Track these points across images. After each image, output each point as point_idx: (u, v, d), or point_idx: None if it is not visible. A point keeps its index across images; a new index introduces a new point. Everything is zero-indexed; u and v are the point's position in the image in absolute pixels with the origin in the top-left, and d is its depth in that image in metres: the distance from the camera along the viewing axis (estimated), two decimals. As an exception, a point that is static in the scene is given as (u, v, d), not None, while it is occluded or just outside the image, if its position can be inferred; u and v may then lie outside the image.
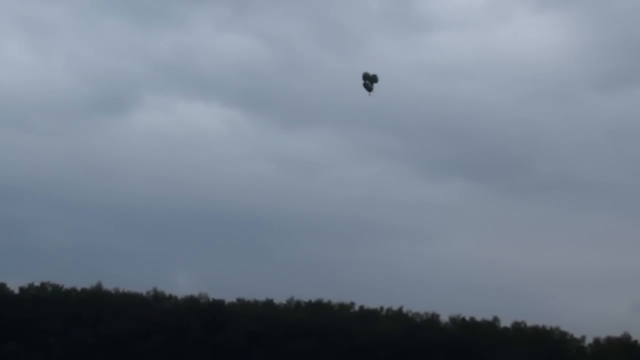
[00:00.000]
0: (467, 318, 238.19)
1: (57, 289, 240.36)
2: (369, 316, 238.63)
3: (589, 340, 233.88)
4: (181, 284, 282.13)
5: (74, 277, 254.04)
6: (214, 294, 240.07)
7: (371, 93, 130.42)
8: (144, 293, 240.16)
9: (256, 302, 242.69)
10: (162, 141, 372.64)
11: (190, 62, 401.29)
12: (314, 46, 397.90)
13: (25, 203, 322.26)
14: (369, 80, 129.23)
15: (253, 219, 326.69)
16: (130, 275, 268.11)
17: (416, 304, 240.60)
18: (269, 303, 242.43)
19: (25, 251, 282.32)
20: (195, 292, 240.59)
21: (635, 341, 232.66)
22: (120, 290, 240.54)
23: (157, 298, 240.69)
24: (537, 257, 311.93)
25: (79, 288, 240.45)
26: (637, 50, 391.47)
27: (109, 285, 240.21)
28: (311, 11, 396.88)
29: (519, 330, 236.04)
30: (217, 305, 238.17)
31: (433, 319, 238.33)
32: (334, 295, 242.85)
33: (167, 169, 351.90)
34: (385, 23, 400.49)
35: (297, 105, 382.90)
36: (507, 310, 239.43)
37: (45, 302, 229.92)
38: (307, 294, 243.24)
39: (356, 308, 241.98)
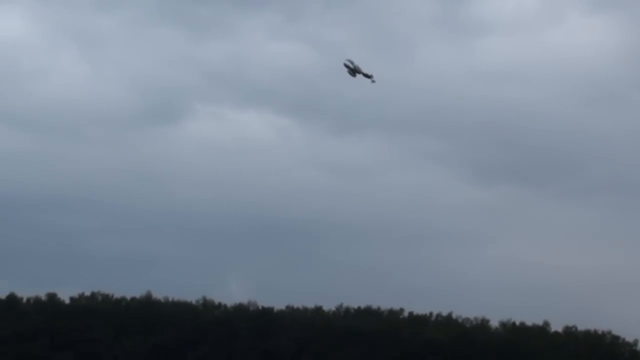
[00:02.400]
0: (517, 322, 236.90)
1: (107, 298, 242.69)
2: (418, 322, 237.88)
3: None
4: (232, 292, 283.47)
5: (124, 286, 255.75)
6: (264, 301, 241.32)
7: (373, 79, 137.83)
8: (194, 301, 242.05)
9: (305, 309, 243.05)
10: (213, 150, 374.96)
11: (241, 70, 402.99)
12: (365, 52, 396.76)
13: (77, 212, 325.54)
14: (351, 69, 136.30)
15: (303, 226, 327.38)
16: (181, 283, 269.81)
17: (466, 308, 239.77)
18: (318, 309, 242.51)
19: (76, 261, 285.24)
20: (244, 300, 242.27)
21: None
22: (170, 298, 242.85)
23: (207, 306, 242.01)
24: (588, 260, 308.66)
25: (128, 297, 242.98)
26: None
27: (158, 294, 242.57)
28: (362, 18, 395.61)
29: (570, 334, 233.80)
30: (266, 313, 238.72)
31: (483, 323, 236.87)
32: (383, 300, 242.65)
33: (218, 177, 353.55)
34: (436, 28, 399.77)
35: (347, 112, 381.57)
36: (558, 314, 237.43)
37: (96, 311, 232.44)
38: (356, 299, 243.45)
39: (405, 314, 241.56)
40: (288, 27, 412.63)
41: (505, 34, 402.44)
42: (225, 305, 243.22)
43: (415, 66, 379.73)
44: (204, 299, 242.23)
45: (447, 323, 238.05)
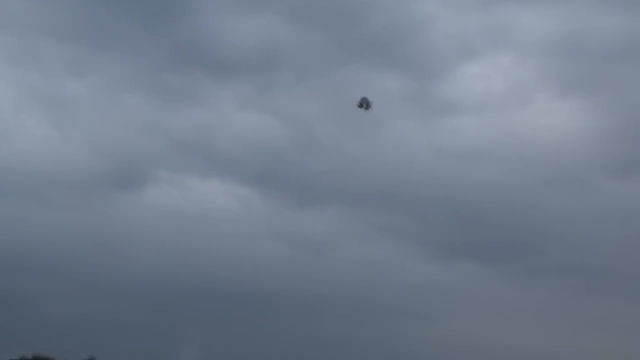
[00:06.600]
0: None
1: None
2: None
3: None
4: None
5: (68, 351, 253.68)
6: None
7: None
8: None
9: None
10: (175, 218, 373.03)
11: (207, 139, 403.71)
12: (333, 127, 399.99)
13: (30, 276, 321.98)
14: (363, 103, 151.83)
15: (261, 299, 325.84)
16: (128, 350, 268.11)
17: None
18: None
19: (21, 325, 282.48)
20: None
21: None
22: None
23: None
24: (545, 341, 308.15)
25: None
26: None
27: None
28: (332, 92, 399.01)
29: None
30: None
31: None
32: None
33: (178, 247, 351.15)
34: (405, 106, 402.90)
35: (311, 185, 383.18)
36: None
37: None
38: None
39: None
40: (258, 99, 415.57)
41: (473, 114, 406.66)
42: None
43: (382, 142, 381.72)
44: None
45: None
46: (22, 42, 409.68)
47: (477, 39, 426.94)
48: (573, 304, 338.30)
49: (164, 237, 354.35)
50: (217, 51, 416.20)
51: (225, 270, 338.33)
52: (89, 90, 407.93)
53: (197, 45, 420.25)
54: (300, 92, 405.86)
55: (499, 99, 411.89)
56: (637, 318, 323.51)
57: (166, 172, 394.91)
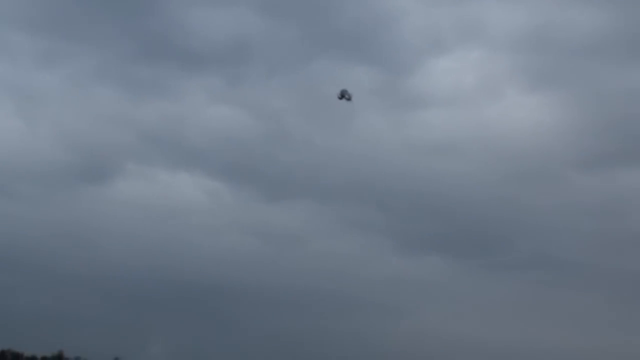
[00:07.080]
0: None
1: (17, 356, 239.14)
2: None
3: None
4: (150, 356, 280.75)
5: (36, 344, 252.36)
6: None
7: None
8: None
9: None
10: (143, 211, 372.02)
11: (177, 132, 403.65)
12: (303, 120, 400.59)
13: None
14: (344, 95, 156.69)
15: (230, 291, 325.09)
16: (95, 344, 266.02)
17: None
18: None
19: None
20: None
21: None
22: (82, 359, 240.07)
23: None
24: (512, 335, 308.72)
25: (39, 356, 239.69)
26: (620, 132, 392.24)
27: (70, 354, 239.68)
28: (303, 86, 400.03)
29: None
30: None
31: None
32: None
33: (147, 240, 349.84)
34: (375, 99, 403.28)
35: (281, 178, 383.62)
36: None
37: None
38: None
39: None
40: (229, 92, 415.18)
41: (443, 108, 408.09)
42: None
43: (352, 135, 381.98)
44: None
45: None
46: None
47: (448, 33, 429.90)
48: (541, 297, 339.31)
49: (133, 230, 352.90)
50: (187, 43, 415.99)
51: (194, 263, 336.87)
52: (57, 82, 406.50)
53: (167, 38, 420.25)
54: (271, 85, 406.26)
55: (469, 93, 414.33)
56: (605, 310, 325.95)
57: (135, 165, 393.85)
